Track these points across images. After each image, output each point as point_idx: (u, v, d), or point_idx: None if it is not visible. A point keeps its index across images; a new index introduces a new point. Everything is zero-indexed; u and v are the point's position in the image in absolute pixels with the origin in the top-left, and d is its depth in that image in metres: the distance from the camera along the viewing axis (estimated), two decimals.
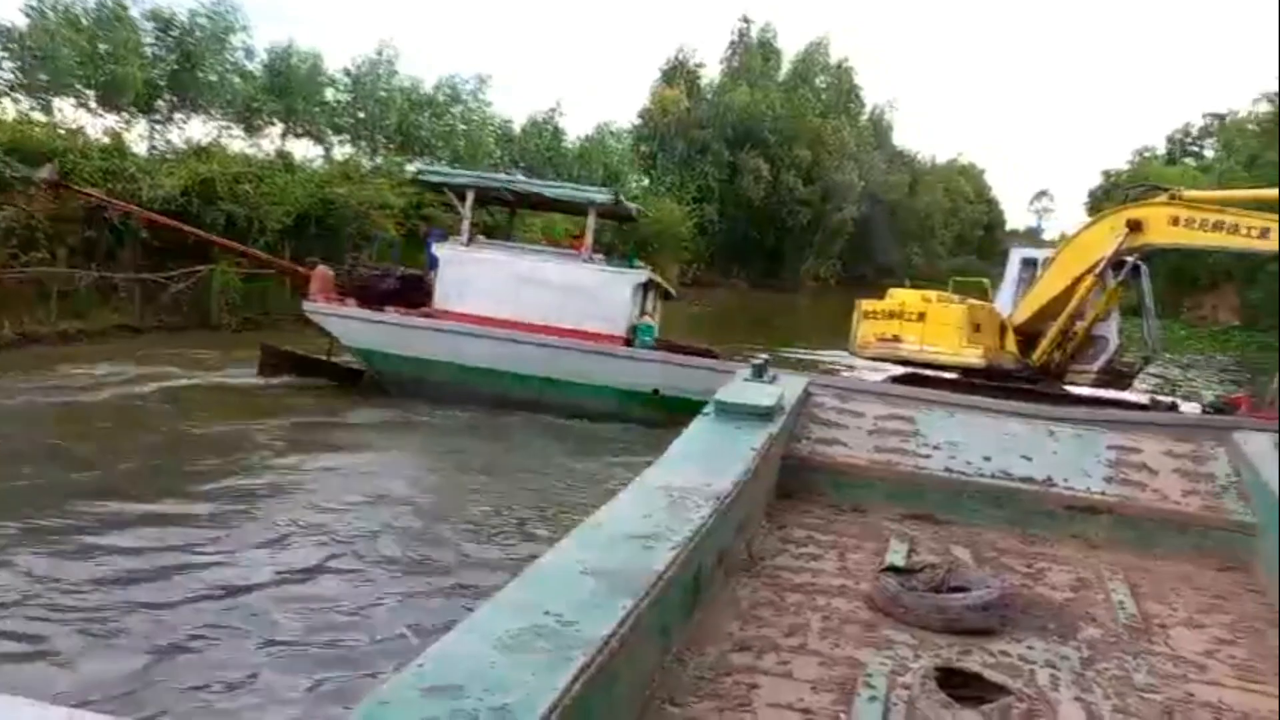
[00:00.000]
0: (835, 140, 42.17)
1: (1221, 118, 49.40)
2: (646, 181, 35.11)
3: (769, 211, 37.77)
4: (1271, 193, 12.80)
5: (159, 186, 17.17)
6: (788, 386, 3.78)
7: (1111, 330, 12.15)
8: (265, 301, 18.02)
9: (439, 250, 13.39)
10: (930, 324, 12.57)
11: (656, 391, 11.91)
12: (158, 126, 24.40)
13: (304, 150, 26.83)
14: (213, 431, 10.49)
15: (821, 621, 2.50)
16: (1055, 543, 3.26)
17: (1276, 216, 10.47)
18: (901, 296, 13.50)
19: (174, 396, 11.89)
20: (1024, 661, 2.35)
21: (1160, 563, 3.13)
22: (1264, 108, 34.34)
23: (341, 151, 27.82)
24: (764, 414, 3.40)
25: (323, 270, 13.50)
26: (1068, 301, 11.73)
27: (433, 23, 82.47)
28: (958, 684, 2.09)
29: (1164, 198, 11.50)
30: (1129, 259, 11.63)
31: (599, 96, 77.41)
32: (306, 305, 13.20)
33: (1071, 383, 12.14)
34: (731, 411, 3.42)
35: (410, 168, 24.95)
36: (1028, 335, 12.34)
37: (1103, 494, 3.38)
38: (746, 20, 42.73)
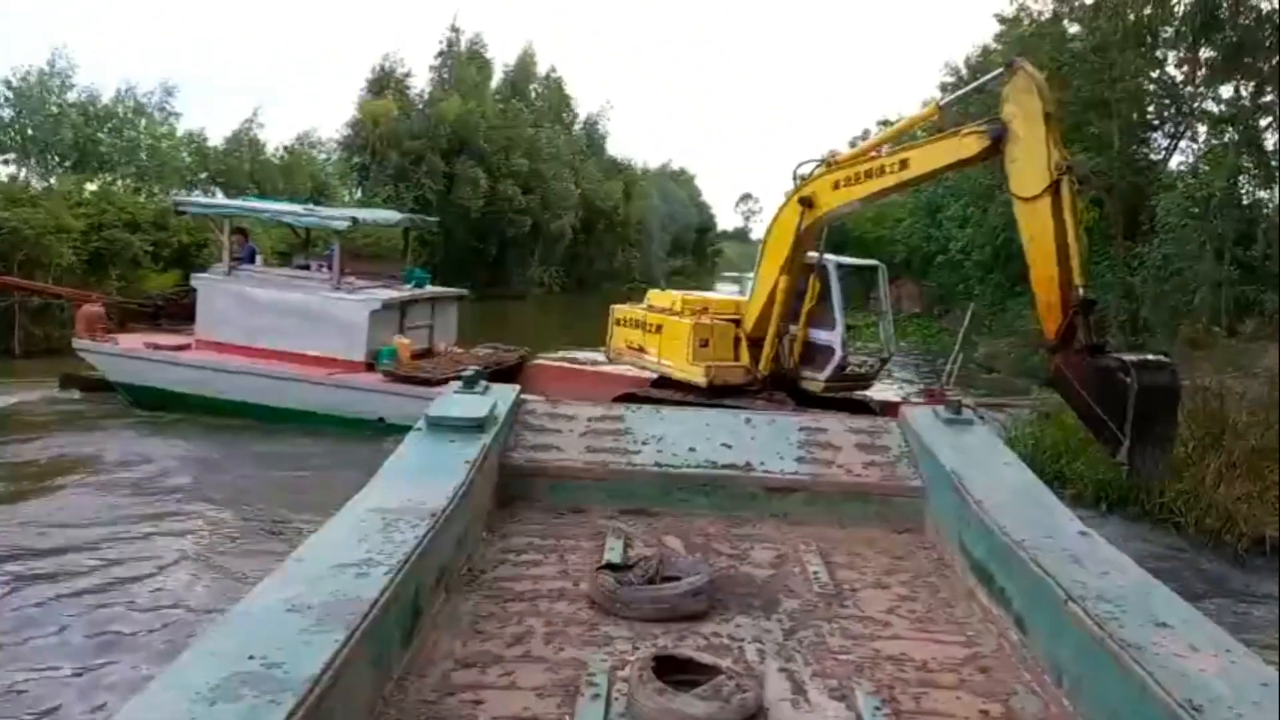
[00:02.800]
0: (551, 149, 42.68)
1: (893, 124, 54.68)
2: (360, 194, 33.90)
3: (489, 221, 37.62)
4: (913, 117, 12.59)
5: None
6: (499, 396, 3.78)
7: (836, 339, 12.22)
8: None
9: (196, 281, 14.03)
10: (666, 338, 12.65)
11: (381, 420, 11.73)
12: None
13: None
14: None
15: (545, 627, 2.53)
16: (757, 523, 3.47)
17: (908, 146, 10.73)
18: (656, 299, 13.51)
19: None
20: (733, 640, 2.50)
21: (849, 531, 3.42)
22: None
23: (7, 171, 24.98)
24: (476, 425, 3.39)
25: (87, 309, 14.04)
26: (774, 304, 11.79)
27: (110, 26, 75.42)
28: (674, 670, 2.17)
29: (820, 167, 11.52)
30: (816, 255, 11.80)
31: (299, 105, 73.82)
32: (76, 343, 13.83)
33: (804, 391, 12.12)
34: (443, 425, 3.39)
35: (90, 186, 22.83)
36: (761, 341, 12.26)
37: (796, 473, 3.63)
38: (456, 30, 42.38)
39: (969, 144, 9.80)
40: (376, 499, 2.73)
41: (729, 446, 3.73)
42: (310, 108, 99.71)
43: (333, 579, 2.15)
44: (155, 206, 22.63)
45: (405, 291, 13.96)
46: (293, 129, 36.27)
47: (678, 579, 2.67)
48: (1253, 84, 19.42)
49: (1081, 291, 9.01)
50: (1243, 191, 19.04)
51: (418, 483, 2.86)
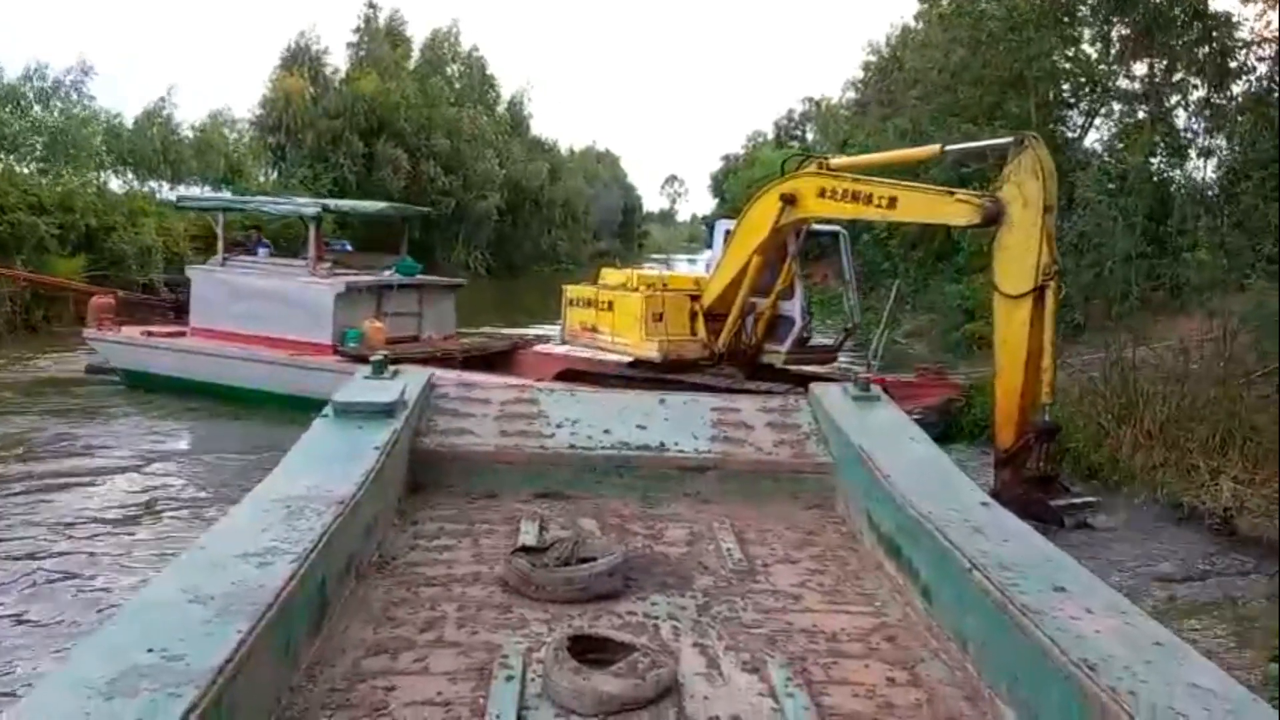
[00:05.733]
0: (473, 129, 42.14)
1: (818, 103, 54.98)
2: (275, 175, 33.09)
3: (412, 202, 37.00)
4: (915, 152, 12.60)
5: None
6: (410, 380, 3.72)
7: (796, 308, 11.98)
8: None
9: (191, 272, 15.24)
10: (618, 314, 12.35)
11: None
12: None
13: None
14: None
15: (458, 612, 2.47)
16: (672, 502, 3.45)
17: (903, 185, 10.36)
18: (609, 277, 13.20)
19: None
20: (648, 618, 2.47)
21: (760, 509, 3.42)
22: (851, 95, 38.61)
23: None
24: (386, 410, 3.32)
25: (97, 300, 15.49)
26: (743, 281, 11.47)
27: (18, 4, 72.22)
28: (589, 649, 2.15)
29: (813, 167, 10.91)
30: (798, 233, 11.44)
31: (214, 83, 71.98)
32: (86, 333, 15.10)
33: (768, 365, 11.92)
34: (351, 411, 3.31)
35: None
36: (720, 317, 11.97)
37: (709, 452, 3.63)
38: (373, 6, 41.53)
39: (960, 210, 9.35)
40: (281, 487, 2.65)
41: (643, 428, 3.72)
42: (226, 85, 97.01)
43: (236, 568, 2.08)
44: (62, 188, 21.90)
45: (378, 277, 14.39)
46: (207, 107, 35.28)
47: (593, 560, 2.65)
48: (1164, 62, 19.96)
49: (1048, 416, 8.66)
50: (1155, 168, 19.60)
51: (325, 470, 2.78)
